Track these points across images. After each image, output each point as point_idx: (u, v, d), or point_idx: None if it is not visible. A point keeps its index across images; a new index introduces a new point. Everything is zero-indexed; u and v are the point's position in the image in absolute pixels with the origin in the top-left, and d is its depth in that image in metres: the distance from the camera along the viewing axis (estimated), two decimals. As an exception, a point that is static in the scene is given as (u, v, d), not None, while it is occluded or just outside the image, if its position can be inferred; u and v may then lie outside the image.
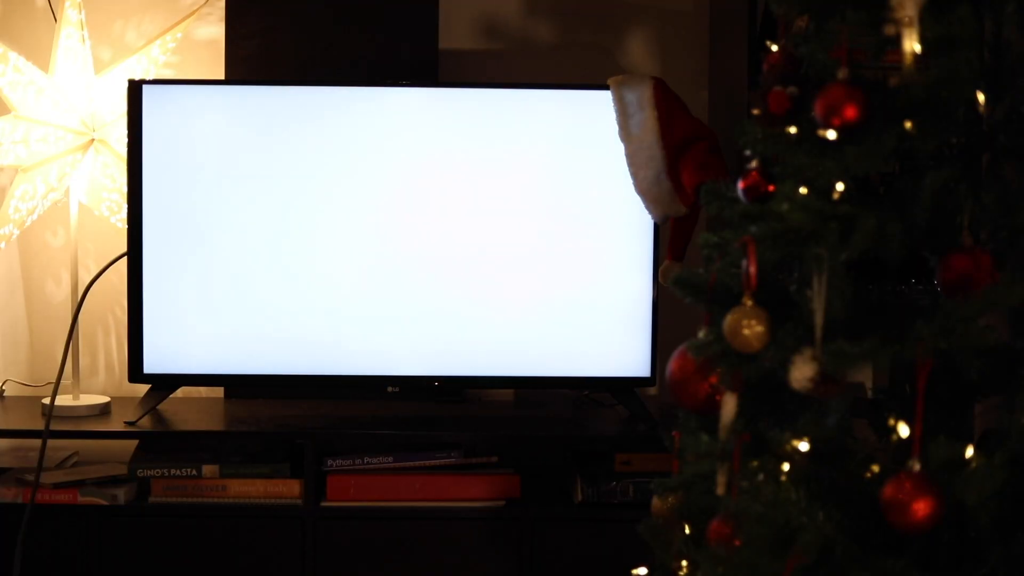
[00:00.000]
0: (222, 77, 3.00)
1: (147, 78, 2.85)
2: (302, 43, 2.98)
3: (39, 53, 2.96)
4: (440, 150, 2.79)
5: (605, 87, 2.71)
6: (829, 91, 1.52)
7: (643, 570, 1.95)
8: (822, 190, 1.53)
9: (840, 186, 1.53)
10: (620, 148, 2.68)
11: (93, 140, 2.88)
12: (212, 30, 3.07)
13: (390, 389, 2.84)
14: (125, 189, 2.81)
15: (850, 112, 1.51)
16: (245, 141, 2.78)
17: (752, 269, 1.59)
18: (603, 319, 2.83)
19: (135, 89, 2.76)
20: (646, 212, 2.70)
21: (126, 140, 2.77)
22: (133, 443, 2.86)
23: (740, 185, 1.68)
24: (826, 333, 1.50)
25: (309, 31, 2.98)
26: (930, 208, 1.53)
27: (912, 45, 1.46)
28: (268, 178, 2.79)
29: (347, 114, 2.77)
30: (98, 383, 3.11)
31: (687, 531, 1.82)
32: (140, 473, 2.76)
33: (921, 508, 1.42)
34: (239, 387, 3.02)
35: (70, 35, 2.84)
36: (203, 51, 3.08)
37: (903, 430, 1.52)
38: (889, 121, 1.51)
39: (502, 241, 2.81)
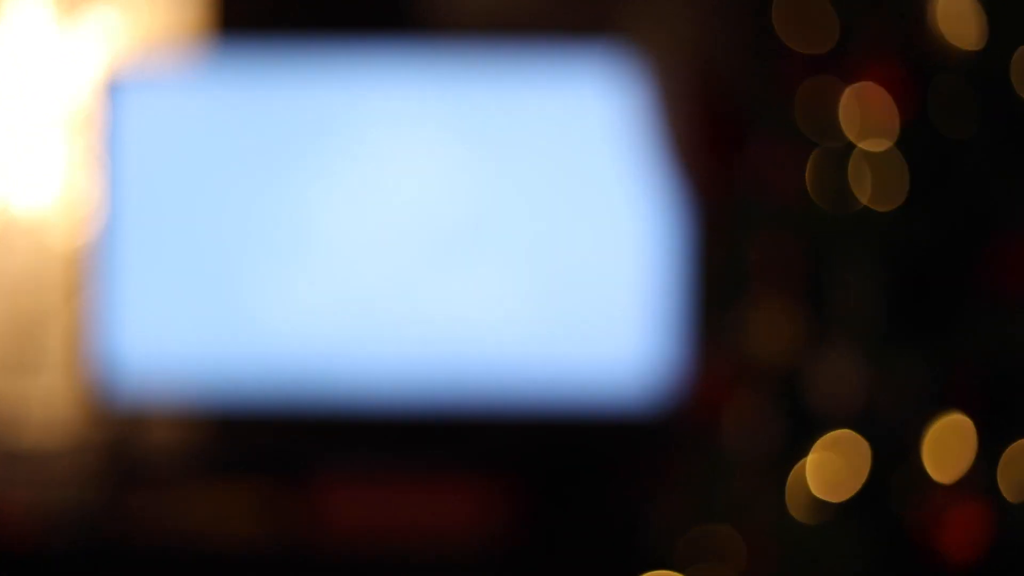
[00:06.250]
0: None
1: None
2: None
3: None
4: (426, 139, 2.67)
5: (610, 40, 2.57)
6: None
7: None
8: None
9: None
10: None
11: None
12: None
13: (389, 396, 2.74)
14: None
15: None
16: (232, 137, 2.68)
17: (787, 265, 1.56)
18: (603, 319, 2.72)
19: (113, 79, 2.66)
20: (649, 210, 2.59)
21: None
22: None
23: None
24: (869, 337, 1.48)
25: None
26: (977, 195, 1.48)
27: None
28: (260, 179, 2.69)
29: (341, 109, 2.65)
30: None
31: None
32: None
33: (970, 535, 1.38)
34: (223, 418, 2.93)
35: None
36: None
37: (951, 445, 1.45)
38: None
39: (501, 241, 2.70)
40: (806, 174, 1.59)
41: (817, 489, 1.50)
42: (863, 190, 1.48)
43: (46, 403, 2.72)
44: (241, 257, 2.67)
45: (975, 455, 1.38)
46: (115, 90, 2.66)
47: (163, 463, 2.66)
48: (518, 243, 2.70)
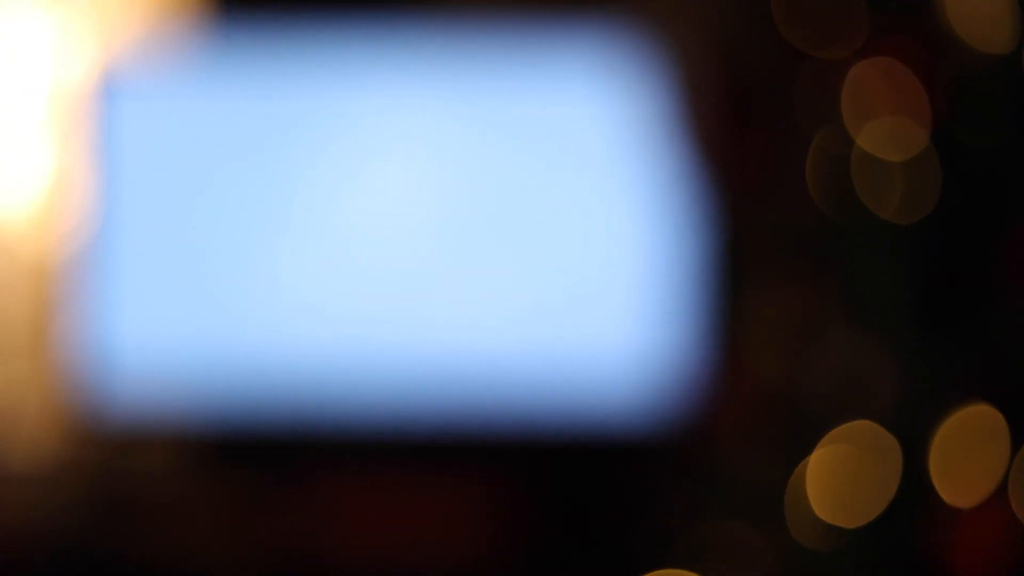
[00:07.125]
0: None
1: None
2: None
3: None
4: (429, 134, 2.64)
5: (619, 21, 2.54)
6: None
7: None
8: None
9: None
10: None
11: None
12: None
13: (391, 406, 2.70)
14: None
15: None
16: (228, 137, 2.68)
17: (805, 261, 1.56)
18: (603, 318, 2.69)
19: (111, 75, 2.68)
20: (661, 207, 2.57)
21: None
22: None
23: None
24: (895, 331, 1.45)
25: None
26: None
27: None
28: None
29: (338, 104, 2.65)
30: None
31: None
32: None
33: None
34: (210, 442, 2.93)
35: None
36: None
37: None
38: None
39: (501, 243, 2.68)
40: (822, 166, 1.58)
41: (831, 487, 1.48)
42: (892, 187, 1.47)
43: (34, 420, 2.71)
44: (238, 263, 2.67)
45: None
46: (108, 84, 2.67)
47: (155, 483, 2.65)
48: (518, 245, 2.69)
